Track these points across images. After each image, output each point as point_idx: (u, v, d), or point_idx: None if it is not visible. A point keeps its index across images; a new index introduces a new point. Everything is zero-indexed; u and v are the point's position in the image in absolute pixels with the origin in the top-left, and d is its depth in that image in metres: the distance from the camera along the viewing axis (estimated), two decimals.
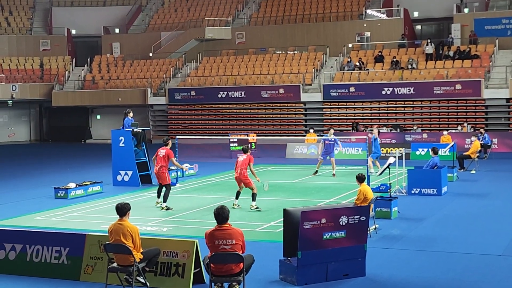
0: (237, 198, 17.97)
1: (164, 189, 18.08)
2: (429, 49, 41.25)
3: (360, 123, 39.03)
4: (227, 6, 51.69)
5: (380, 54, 42.44)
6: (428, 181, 19.76)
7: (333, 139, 24.80)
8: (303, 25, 47.29)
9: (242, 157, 17.94)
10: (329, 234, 10.69)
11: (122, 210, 10.48)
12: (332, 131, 25.71)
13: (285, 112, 42.92)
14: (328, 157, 24.84)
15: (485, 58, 39.66)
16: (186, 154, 29.41)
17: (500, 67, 38.71)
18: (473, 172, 25.25)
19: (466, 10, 44.28)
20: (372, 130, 27.32)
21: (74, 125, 50.57)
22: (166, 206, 17.85)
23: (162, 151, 18.34)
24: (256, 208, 17.55)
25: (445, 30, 46.27)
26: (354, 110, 40.73)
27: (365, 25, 45.63)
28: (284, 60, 45.64)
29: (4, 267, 11.69)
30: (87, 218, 17.05)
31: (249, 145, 19.27)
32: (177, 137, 25.10)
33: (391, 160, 17.74)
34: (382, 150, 30.91)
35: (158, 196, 18.42)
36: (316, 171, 24.97)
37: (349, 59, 42.48)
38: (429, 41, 41.71)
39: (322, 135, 25.54)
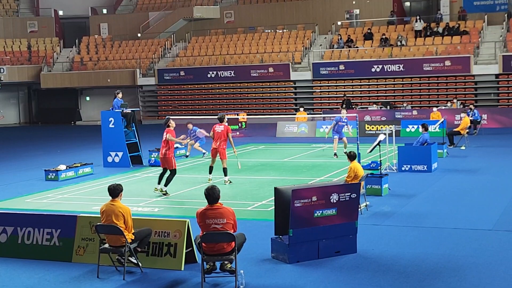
0: (210, 172, 18.40)
1: (168, 173, 16.99)
2: (418, 25, 41.20)
3: (351, 101, 39.00)
4: None
5: (369, 31, 42.37)
6: (418, 158, 19.82)
7: (345, 120, 23.87)
8: (292, 3, 47.11)
9: (219, 128, 18.04)
10: (320, 211, 10.72)
11: (115, 191, 10.47)
12: (344, 111, 24.43)
13: (275, 91, 42.87)
14: (337, 137, 23.76)
15: (474, 34, 39.67)
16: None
17: (489, 43, 38.73)
18: (463, 148, 25.34)
19: None
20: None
21: (64, 107, 50.34)
22: (165, 190, 17.02)
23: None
24: (229, 182, 18.08)
25: (434, 6, 46.18)
26: (344, 88, 40.73)
27: (354, 2, 45.51)
28: (273, 38, 45.49)
29: None
30: (78, 199, 17.03)
31: (224, 114, 18.90)
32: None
33: (381, 137, 17.74)
34: (372, 128, 31.10)
35: (159, 182, 17.16)
36: (336, 153, 23.66)
37: (339, 37, 42.37)
38: (418, 17, 41.65)
39: (313, 114, 25.18)
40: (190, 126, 25.55)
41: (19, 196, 17.77)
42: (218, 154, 18.22)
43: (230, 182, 18.26)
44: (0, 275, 10.59)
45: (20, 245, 11.56)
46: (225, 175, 18.22)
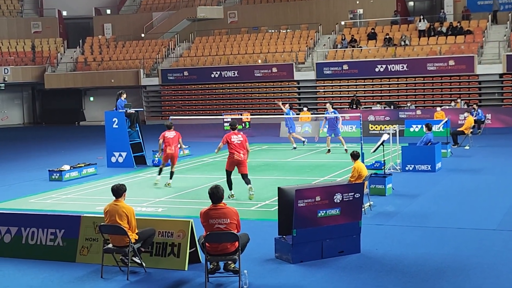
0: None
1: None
2: (422, 25, 41.15)
3: (361, 100, 38.92)
4: None
5: (373, 31, 42.32)
6: (422, 158, 19.79)
7: (333, 114, 24.35)
8: (295, 3, 47.07)
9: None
10: (324, 211, 10.71)
11: (118, 191, 10.49)
12: (330, 105, 24.90)
13: (278, 91, 42.84)
14: (333, 135, 24.61)
15: (478, 34, 39.59)
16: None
17: (493, 43, 38.65)
18: (467, 148, 25.30)
19: None
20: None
21: (67, 107, 50.38)
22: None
23: (238, 137, 16.05)
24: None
25: (437, 6, 46.10)
26: (348, 88, 40.67)
27: (357, 2, 45.45)
28: (277, 38, 45.47)
29: (0, 250, 11.69)
30: (82, 200, 17.05)
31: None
32: (171, 117, 24.99)
33: (385, 137, 17.74)
34: (376, 128, 31.07)
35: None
36: (329, 150, 24.58)
37: (343, 37, 42.35)
38: (422, 17, 41.60)
39: (317, 114, 25.46)
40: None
41: (23, 196, 17.79)
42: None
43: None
44: (4, 275, 10.61)
45: (24, 245, 11.58)
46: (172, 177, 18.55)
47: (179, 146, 18.77)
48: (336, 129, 24.61)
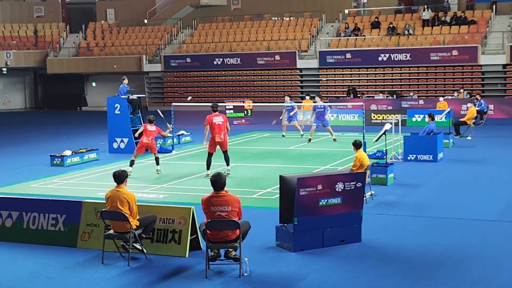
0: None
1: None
2: (426, 14, 41.01)
3: (357, 89, 38.91)
4: None
5: (376, 20, 42.19)
6: (424, 148, 19.78)
7: (322, 106, 24.89)
8: None
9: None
10: (325, 200, 10.70)
11: (120, 177, 10.48)
12: (318, 98, 25.58)
13: (281, 79, 42.78)
14: (321, 124, 24.87)
15: (482, 24, 39.45)
16: (181, 121, 29.42)
17: (497, 33, 38.53)
18: (469, 138, 25.27)
19: None
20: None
21: (70, 93, 50.35)
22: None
23: (219, 118, 17.24)
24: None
25: None
26: (351, 77, 40.61)
27: None
28: (280, 26, 45.34)
29: (1, 235, 11.71)
30: (83, 185, 17.06)
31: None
32: (173, 104, 25.00)
33: (387, 126, 17.70)
34: (378, 117, 31.04)
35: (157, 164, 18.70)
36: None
37: (346, 26, 42.22)
38: (426, 6, 41.44)
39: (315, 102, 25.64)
40: (287, 99, 26.25)
41: (24, 181, 17.81)
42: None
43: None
44: (6, 260, 10.63)
45: (25, 230, 11.59)
46: (157, 164, 18.63)
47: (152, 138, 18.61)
48: (325, 120, 24.81)
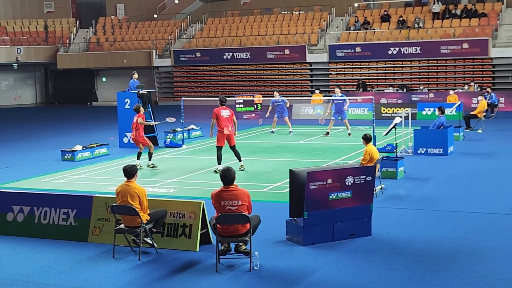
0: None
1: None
2: (436, 7, 40.84)
3: (367, 83, 38.83)
4: None
5: (386, 13, 42.05)
6: (434, 141, 19.73)
7: (341, 98, 24.72)
8: None
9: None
10: (335, 194, 10.71)
11: (130, 172, 10.52)
12: (338, 90, 25.56)
13: (290, 73, 42.75)
14: (340, 118, 24.81)
15: (492, 17, 39.26)
16: (191, 116, 29.46)
17: (508, 26, 38.34)
18: (480, 131, 25.18)
19: None
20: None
21: (80, 88, 50.51)
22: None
23: (226, 112, 17.43)
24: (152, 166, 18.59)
25: None
26: (360, 71, 40.53)
27: None
28: (290, 20, 45.29)
29: (13, 229, 11.78)
30: (94, 180, 17.13)
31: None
32: (183, 98, 25.03)
33: (397, 120, 17.67)
34: (388, 111, 30.97)
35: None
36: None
37: (356, 19, 42.12)
38: None
39: (329, 96, 25.55)
40: (276, 94, 26.18)
41: (35, 176, 17.89)
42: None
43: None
44: (17, 254, 10.70)
45: (37, 225, 11.66)
46: (149, 158, 18.76)
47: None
48: (343, 113, 24.73)
